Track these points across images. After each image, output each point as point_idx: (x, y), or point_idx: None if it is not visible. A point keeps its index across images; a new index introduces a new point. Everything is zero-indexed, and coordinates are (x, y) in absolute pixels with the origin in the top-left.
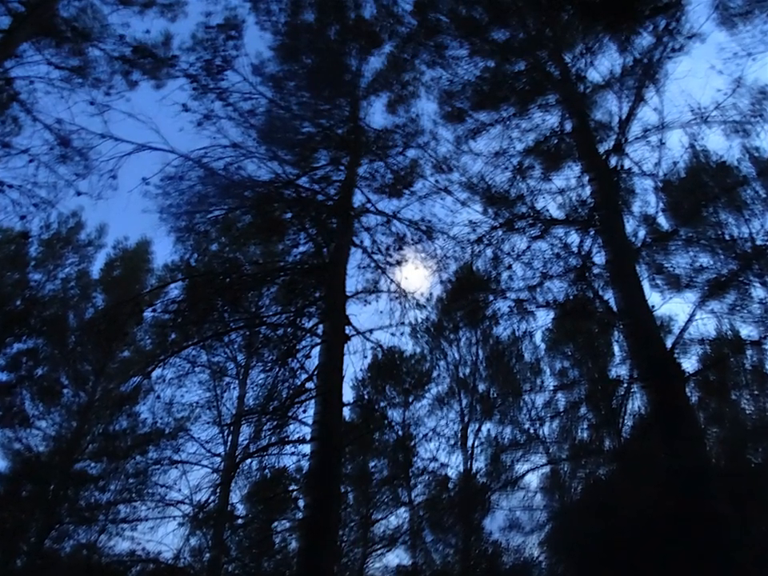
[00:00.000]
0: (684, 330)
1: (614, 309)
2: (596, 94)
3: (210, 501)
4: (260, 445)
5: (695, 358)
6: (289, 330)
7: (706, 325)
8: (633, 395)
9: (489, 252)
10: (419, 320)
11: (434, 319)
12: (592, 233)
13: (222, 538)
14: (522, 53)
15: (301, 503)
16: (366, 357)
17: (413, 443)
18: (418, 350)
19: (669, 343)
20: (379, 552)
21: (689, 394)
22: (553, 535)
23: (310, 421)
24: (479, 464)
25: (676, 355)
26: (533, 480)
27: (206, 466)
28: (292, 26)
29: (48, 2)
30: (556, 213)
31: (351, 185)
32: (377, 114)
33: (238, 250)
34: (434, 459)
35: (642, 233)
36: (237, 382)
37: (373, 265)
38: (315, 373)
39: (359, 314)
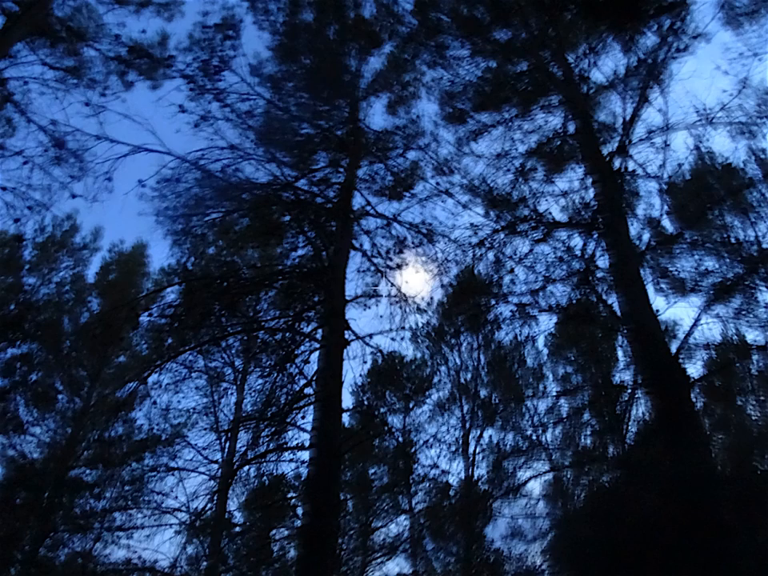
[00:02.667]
0: (689, 334)
1: (618, 313)
2: (599, 95)
3: (207, 508)
4: (258, 451)
5: (700, 363)
6: (287, 334)
7: (712, 329)
8: (637, 401)
9: (490, 255)
10: (420, 324)
11: (434, 324)
12: (595, 236)
13: (219, 546)
14: (524, 53)
15: (299, 511)
16: (365, 362)
17: (413, 450)
18: (419, 355)
19: (673, 348)
20: (379, 560)
21: (694, 400)
22: (556, 543)
23: (308, 427)
24: (481, 471)
25: (681, 360)
26: (535, 487)
27: (203, 473)
28: (290, 25)
29: (42, 1)
30: (559, 215)
31: (351, 187)
32: (377, 116)
33: (235, 253)
34: (435, 466)
35: (646, 236)
36: (234, 387)
37: (372, 268)
38: (314, 378)
39: (359, 318)
